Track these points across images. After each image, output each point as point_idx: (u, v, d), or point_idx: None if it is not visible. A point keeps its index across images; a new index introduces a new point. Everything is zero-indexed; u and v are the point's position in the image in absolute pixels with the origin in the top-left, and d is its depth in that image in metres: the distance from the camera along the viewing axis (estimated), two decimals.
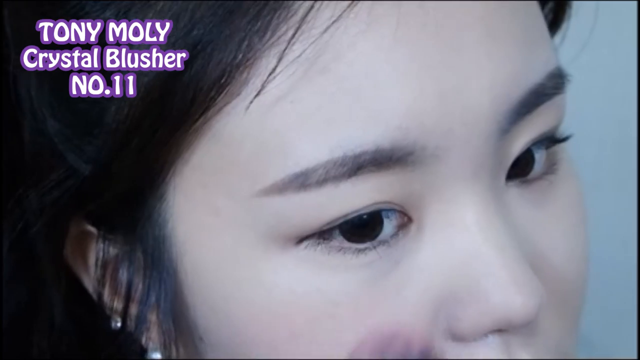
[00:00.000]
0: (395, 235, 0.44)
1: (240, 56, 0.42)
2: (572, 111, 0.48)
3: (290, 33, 0.42)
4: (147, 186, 0.45)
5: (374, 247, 0.44)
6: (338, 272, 0.44)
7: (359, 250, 0.44)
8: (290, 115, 0.42)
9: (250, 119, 0.43)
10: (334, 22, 0.42)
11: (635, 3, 0.74)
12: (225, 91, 0.42)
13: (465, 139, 0.43)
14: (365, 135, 0.42)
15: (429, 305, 0.45)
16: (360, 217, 0.43)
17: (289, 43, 0.42)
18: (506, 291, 0.44)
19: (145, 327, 0.47)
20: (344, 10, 0.42)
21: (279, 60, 0.42)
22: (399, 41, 0.42)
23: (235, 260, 0.45)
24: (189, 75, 0.42)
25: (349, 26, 0.42)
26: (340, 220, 0.43)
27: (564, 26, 0.53)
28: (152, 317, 0.47)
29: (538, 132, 0.46)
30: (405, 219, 0.44)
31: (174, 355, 0.48)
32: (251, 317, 0.45)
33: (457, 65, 0.43)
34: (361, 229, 0.44)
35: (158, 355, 0.49)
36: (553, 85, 0.46)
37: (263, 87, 0.42)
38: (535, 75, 0.45)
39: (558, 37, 0.53)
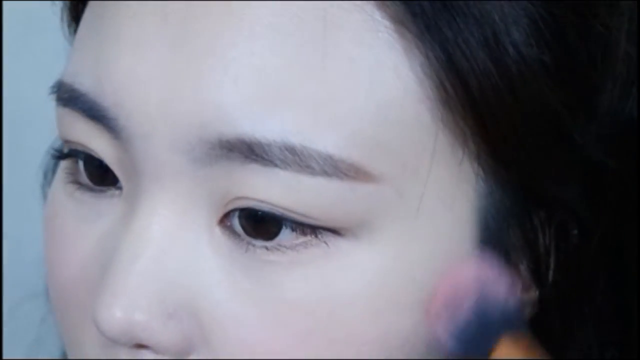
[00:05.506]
0: (106, 190, 0.48)
1: None
2: None
3: None
4: None
5: (102, 193, 0.48)
6: (70, 200, 0.49)
7: (99, 192, 0.48)
8: (79, 33, 0.48)
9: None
10: None
11: (635, 3, 0.74)
12: None
13: (144, 135, 0.44)
14: (79, 75, 0.46)
15: (94, 268, 0.47)
16: (80, 155, 0.48)
17: None
18: (98, 295, 0.45)
19: None
20: None
21: None
22: (137, 12, 0.44)
23: None
24: None
25: None
26: (67, 148, 0.48)
27: None
28: None
29: (253, 196, 0.44)
30: (117, 182, 0.47)
31: None
32: None
33: (171, 63, 0.44)
34: (93, 170, 0.48)
35: None
36: (281, 158, 0.43)
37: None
38: (251, 130, 0.43)
39: None
